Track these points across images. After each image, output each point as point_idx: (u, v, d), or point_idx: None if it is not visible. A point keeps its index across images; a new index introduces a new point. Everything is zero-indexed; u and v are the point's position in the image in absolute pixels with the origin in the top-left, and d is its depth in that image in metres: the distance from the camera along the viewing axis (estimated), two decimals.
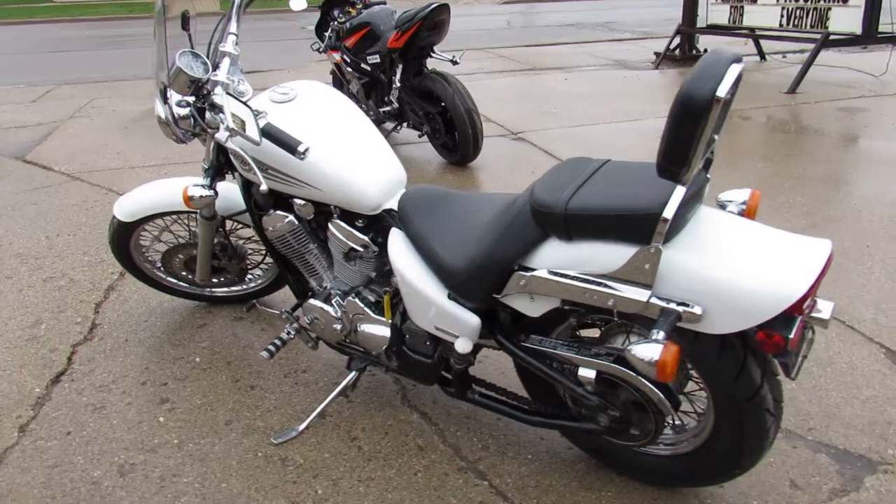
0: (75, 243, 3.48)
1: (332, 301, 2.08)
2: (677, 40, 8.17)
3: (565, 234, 1.52)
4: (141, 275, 2.68)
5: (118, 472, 1.97)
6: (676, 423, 1.85)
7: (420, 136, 4.77)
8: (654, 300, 1.43)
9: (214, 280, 2.66)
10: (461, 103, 4.30)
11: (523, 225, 1.58)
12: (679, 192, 1.34)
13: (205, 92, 1.93)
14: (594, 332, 1.80)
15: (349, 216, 1.96)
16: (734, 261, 1.40)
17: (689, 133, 1.26)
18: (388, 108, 4.77)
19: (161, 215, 2.41)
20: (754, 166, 4.50)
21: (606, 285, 1.48)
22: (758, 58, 8.43)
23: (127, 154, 4.99)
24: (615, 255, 1.46)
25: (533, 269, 1.58)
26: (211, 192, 2.09)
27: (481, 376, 2.03)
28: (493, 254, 1.62)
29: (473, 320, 1.73)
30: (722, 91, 1.22)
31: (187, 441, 2.08)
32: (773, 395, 1.55)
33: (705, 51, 8.23)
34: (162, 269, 2.66)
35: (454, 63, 4.64)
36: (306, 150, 1.68)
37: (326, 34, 5.14)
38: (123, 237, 2.50)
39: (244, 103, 1.70)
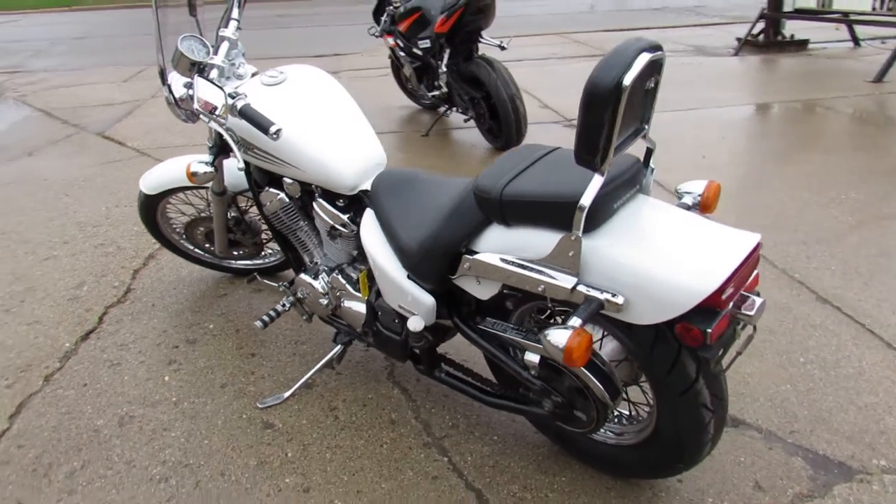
0: (129, 214, 3.75)
1: (320, 277, 2.18)
2: (761, 25, 7.78)
3: (502, 220, 1.55)
4: (170, 245, 2.88)
5: (118, 422, 2.15)
6: (630, 413, 1.85)
7: (466, 121, 4.82)
8: (580, 288, 1.44)
9: (234, 253, 2.82)
10: (504, 89, 4.31)
11: (469, 210, 1.62)
12: (596, 181, 1.35)
13: (205, 75, 2.06)
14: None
15: (331, 196, 2.05)
16: (658, 252, 1.39)
17: (597, 120, 1.26)
18: (437, 93, 4.84)
19: (180, 189, 2.58)
20: (814, 158, 4.28)
21: (538, 271, 1.50)
22: (851, 44, 7.93)
23: (192, 132, 5.28)
24: (545, 241, 1.48)
25: (477, 253, 1.62)
26: (211, 169, 2.23)
27: (463, 358, 2.08)
28: (442, 236, 1.67)
29: (428, 300, 1.79)
30: (628, 79, 1.22)
31: (184, 399, 2.25)
32: (711, 390, 1.53)
33: (791, 37, 7.83)
34: (186, 239, 2.85)
35: (502, 48, 4.64)
36: (277, 130, 1.77)
37: (383, 18, 5.24)
38: (150, 209, 2.69)
39: (217, 85, 1.81)
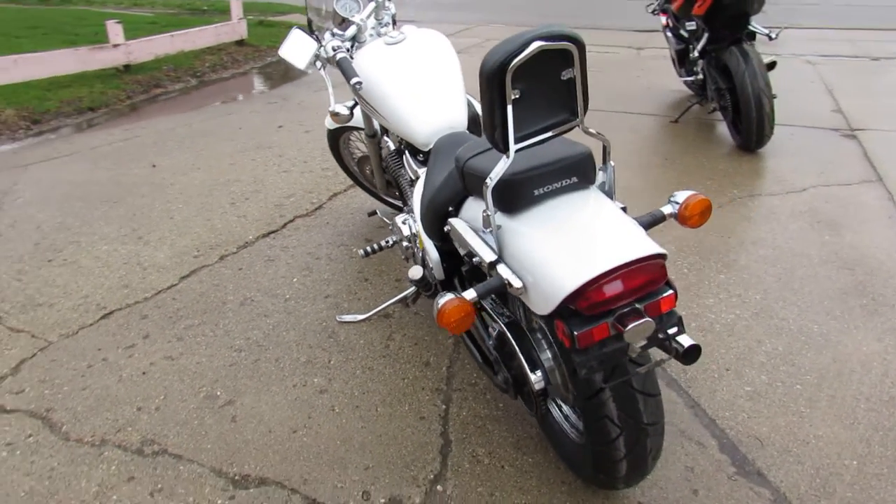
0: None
1: (407, 222, 2.42)
2: None
3: (466, 190, 1.62)
4: (350, 175, 3.35)
5: (241, 302, 2.69)
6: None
7: (710, 112, 4.49)
8: (498, 266, 1.46)
9: (394, 192, 3.18)
10: (751, 83, 3.92)
11: (456, 176, 1.71)
12: (502, 163, 1.36)
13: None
14: None
15: (414, 150, 2.26)
16: (556, 244, 1.35)
17: (488, 100, 1.29)
18: (691, 78, 4.58)
19: (351, 129, 3.00)
20: None
21: (477, 244, 1.55)
22: None
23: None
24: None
25: (456, 217, 1.71)
26: (346, 111, 2.56)
27: None
28: (435, 197, 1.79)
29: (434, 255, 1.92)
30: (512, 63, 1.23)
31: (293, 299, 2.70)
32: (619, 405, 1.44)
33: None
34: (359, 173, 3.29)
35: (770, 39, 4.20)
36: (358, 83, 2.04)
37: None
38: (333, 141, 3.17)
39: (314, 38, 2.12)
